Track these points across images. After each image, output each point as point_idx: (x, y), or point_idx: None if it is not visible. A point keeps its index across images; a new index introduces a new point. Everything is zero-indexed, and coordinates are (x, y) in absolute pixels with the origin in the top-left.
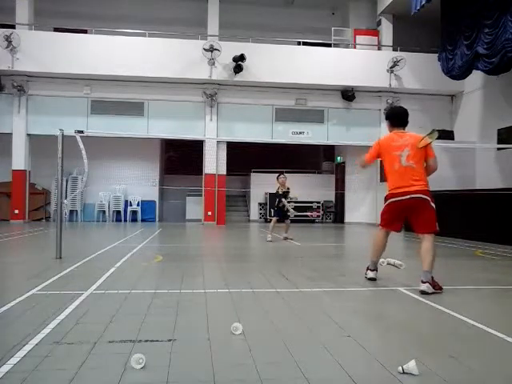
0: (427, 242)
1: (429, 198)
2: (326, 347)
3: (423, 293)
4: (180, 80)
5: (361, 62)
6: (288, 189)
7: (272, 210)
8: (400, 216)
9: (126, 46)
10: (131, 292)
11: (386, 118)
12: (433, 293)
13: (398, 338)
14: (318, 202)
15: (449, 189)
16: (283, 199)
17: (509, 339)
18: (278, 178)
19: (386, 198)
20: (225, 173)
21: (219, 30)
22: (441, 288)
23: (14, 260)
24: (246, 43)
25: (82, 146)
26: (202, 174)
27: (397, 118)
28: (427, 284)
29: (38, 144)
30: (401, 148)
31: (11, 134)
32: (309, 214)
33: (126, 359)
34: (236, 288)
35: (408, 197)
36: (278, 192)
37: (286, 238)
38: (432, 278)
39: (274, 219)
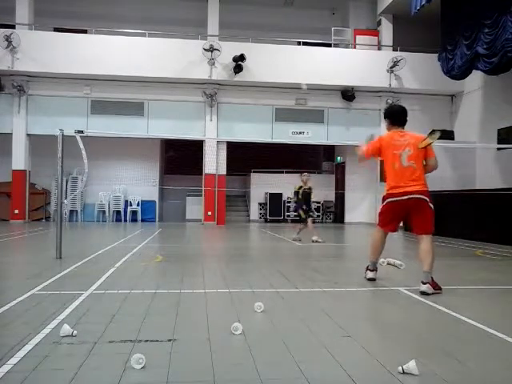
0: (426, 243)
1: (428, 199)
2: (326, 347)
3: (423, 293)
4: (180, 80)
5: (361, 62)
6: (310, 188)
7: (301, 211)
8: (398, 216)
9: (125, 45)
10: (131, 292)
11: (386, 117)
12: (433, 293)
13: (398, 338)
14: (318, 202)
15: (449, 189)
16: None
17: (509, 339)
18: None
19: (384, 199)
20: (225, 173)
21: (219, 30)
22: (440, 288)
23: (14, 260)
24: (246, 43)
25: (82, 145)
26: (202, 174)
27: (397, 116)
28: (427, 285)
29: (38, 144)
30: (402, 147)
31: (11, 134)
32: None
33: (125, 359)
34: (236, 288)
35: (407, 197)
36: (297, 189)
37: (294, 239)
38: (432, 278)
39: (310, 219)
